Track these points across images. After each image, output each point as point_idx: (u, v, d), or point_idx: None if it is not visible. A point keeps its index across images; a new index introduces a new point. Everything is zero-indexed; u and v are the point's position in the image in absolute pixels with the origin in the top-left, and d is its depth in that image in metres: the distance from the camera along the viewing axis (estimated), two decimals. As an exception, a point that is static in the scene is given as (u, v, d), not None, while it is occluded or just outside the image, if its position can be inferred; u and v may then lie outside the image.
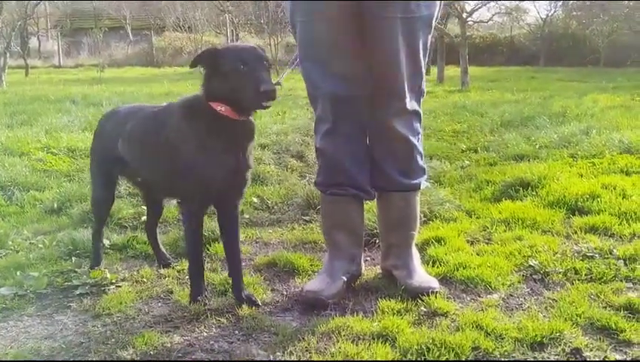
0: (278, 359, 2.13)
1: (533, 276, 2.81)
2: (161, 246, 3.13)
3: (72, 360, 2.18)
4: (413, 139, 2.70)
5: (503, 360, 2.10)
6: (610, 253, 2.98)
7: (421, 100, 2.74)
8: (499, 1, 23.37)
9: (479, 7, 17.73)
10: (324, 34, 2.55)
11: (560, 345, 2.16)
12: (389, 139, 2.68)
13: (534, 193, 4.08)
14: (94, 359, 2.17)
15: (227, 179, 2.46)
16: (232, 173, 2.46)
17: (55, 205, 4.01)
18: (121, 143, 2.74)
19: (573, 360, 2.09)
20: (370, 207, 3.26)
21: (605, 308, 2.45)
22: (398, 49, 2.54)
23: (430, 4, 2.59)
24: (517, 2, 26.40)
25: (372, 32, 2.54)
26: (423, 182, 2.80)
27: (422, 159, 2.78)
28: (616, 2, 19.46)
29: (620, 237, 3.26)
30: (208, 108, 2.39)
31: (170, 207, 3.38)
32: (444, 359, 2.08)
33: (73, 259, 3.08)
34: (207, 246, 3.21)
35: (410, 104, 2.66)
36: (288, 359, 2.12)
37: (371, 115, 2.65)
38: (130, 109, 2.89)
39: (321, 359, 2.11)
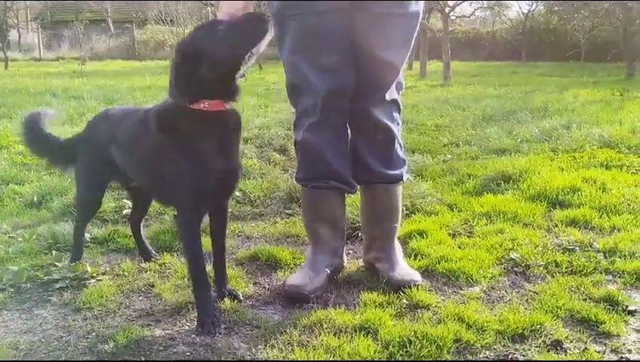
0: (259, 352, 2.13)
1: (515, 269, 2.83)
2: (144, 239, 3.09)
3: (52, 355, 2.15)
4: (394, 129, 2.71)
5: (484, 353, 2.12)
6: (591, 246, 3.02)
7: (400, 92, 2.75)
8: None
9: (462, 2, 17.74)
10: (319, 28, 2.53)
11: (541, 337, 2.18)
12: (370, 128, 2.69)
13: (515, 187, 4.10)
14: (74, 353, 2.15)
15: (220, 180, 2.35)
16: (224, 172, 2.35)
17: (35, 198, 3.97)
18: (114, 149, 2.63)
19: (554, 351, 2.10)
20: (353, 200, 3.27)
21: (585, 300, 2.47)
22: (394, 45, 2.58)
23: (419, 1, 2.62)
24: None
25: (369, 28, 2.54)
26: (405, 174, 2.80)
27: (402, 150, 2.79)
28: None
29: (600, 230, 3.30)
30: (188, 111, 2.25)
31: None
32: (425, 351, 2.08)
33: (53, 252, 3.04)
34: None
35: (390, 94, 2.67)
36: (270, 352, 2.12)
37: (352, 105, 2.65)
38: (122, 112, 2.74)
39: (303, 352, 2.11)
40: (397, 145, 2.74)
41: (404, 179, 2.81)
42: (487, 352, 2.12)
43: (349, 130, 2.74)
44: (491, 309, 2.43)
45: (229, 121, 2.35)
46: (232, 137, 2.39)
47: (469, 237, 3.26)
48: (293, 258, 3.00)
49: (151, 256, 3.02)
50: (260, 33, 2.27)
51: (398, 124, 2.74)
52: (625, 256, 2.89)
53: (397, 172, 2.75)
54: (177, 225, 2.60)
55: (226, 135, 2.35)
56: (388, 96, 2.66)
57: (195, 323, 2.33)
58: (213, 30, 2.25)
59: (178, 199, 2.41)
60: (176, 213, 2.52)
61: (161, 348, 2.18)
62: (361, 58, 2.58)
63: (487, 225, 3.40)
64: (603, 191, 3.87)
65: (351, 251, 3.12)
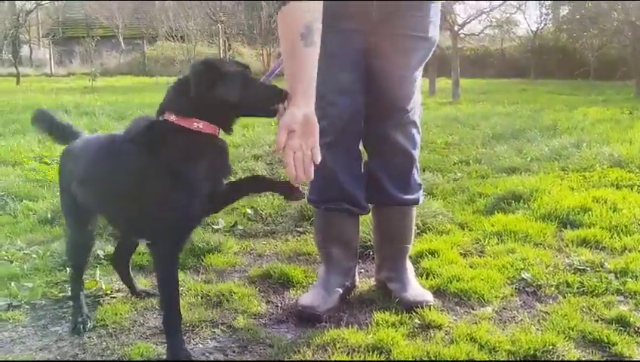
0: (273, 371, 2.15)
1: (526, 289, 2.84)
2: (132, 278, 2.84)
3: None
4: (413, 152, 2.73)
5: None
6: (602, 267, 3.02)
7: (419, 116, 2.77)
8: (493, 1, 23.37)
9: (471, 20, 17.79)
10: (337, 47, 2.54)
11: (552, 358, 2.18)
12: (388, 151, 2.71)
13: (526, 206, 4.10)
14: (90, 370, 2.18)
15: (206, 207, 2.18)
16: (211, 197, 2.17)
17: (49, 215, 4.00)
18: (75, 186, 2.39)
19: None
20: (365, 218, 3.28)
21: (597, 321, 2.47)
22: (413, 67, 2.62)
23: (436, 27, 2.67)
24: (508, 14, 26.56)
25: (389, 50, 2.57)
26: (421, 197, 2.82)
27: (418, 174, 2.80)
28: (605, 16, 19.61)
29: (611, 250, 3.30)
30: (179, 129, 2.08)
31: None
32: (438, 372, 2.10)
33: (67, 269, 3.06)
34: (202, 257, 3.23)
35: (409, 116, 2.69)
36: (284, 371, 2.13)
37: (371, 127, 2.68)
38: (84, 144, 2.52)
39: (316, 371, 2.12)
40: (414, 169, 2.75)
41: (420, 202, 2.83)
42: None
43: (362, 152, 2.77)
44: (503, 329, 2.44)
45: (217, 145, 2.18)
46: (219, 163, 2.20)
47: (480, 256, 3.26)
48: (306, 276, 3.01)
49: (141, 294, 2.81)
50: (267, 105, 2.14)
51: (416, 147, 2.76)
52: (636, 276, 2.88)
53: (413, 196, 2.77)
54: (154, 258, 2.29)
55: (214, 160, 2.17)
56: (407, 119, 2.68)
57: (208, 341, 2.35)
58: (242, 70, 2.12)
59: (163, 227, 2.16)
60: (150, 243, 2.28)
61: (176, 366, 2.19)
62: (380, 79, 2.60)
63: (498, 244, 3.40)
64: (614, 211, 3.87)
65: (363, 270, 3.13)
